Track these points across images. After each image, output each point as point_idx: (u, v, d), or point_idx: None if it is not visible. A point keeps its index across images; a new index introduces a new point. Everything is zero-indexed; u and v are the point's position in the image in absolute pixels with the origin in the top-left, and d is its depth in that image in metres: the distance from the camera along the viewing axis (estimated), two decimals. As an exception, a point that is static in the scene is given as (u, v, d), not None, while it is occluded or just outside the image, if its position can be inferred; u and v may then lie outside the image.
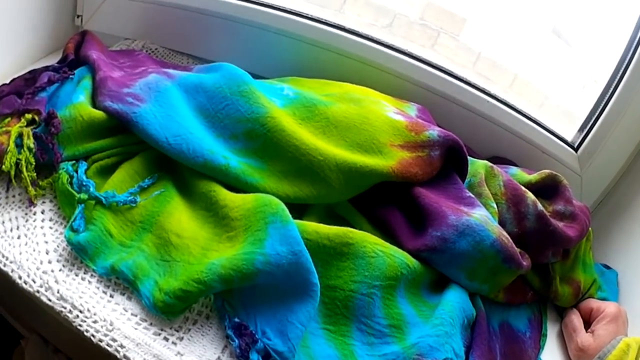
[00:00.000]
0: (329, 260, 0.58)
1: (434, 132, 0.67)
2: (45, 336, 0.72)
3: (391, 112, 0.69)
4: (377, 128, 0.66)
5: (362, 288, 0.57)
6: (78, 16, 0.83)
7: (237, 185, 0.62)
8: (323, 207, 0.66)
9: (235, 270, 0.52)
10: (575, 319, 0.71)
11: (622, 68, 0.81)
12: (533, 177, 0.75)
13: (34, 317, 0.70)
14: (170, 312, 0.52)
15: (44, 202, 0.59)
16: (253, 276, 0.52)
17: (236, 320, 0.53)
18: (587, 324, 0.70)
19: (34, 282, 0.52)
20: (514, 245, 0.63)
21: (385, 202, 0.67)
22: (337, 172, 0.62)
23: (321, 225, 0.59)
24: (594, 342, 0.66)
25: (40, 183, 0.59)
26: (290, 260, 0.53)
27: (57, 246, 0.55)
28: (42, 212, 0.58)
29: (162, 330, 0.52)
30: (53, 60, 0.73)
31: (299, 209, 0.64)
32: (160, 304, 0.52)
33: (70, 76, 0.68)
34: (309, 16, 0.83)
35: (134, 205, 0.59)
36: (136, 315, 0.53)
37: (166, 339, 0.52)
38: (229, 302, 0.55)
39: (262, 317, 0.53)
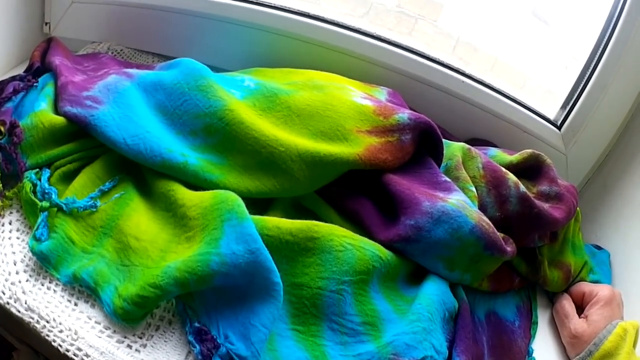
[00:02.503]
0: (293, 256, 0.51)
1: (404, 115, 0.60)
2: (35, 347, 0.68)
3: (358, 97, 0.62)
4: (342, 114, 0.59)
5: (331, 284, 0.50)
6: (46, 23, 0.77)
7: (196, 182, 0.56)
8: (289, 200, 0.59)
9: (190, 273, 0.46)
10: (567, 304, 0.64)
11: (603, 42, 0.74)
12: (514, 157, 0.67)
13: (20, 328, 0.66)
14: (130, 319, 0.48)
15: (11, 213, 0.55)
16: (209, 278, 0.46)
17: (196, 325, 0.48)
18: (580, 308, 0.63)
19: (4, 293, 0.48)
20: (495, 231, 0.56)
21: (355, 192, 0.59)
22: (299, 162, 0.55)
23: (283, 220, 0.52)
24: (588, 328, 0.59)
25: (7, 194, 0.55)
26: (248, 259, 0.47)
27: (24, 256, 0.51)
28: (10, 223, 0.54)
29: (125, 337, 0.48)
30: (23, 70, 0.68)
31: (263, 204, 0.57)
32: (120, 311, 0.47)
33: (35, 84, 0.63)
34: (273, 5, 0.75)
35: (94, 210, 0.54)
36: (100, 323, 0.48)
37: (129, 347, 0.48)
38: (190, 305, 0.49)
39: (225, 320, 0.48)
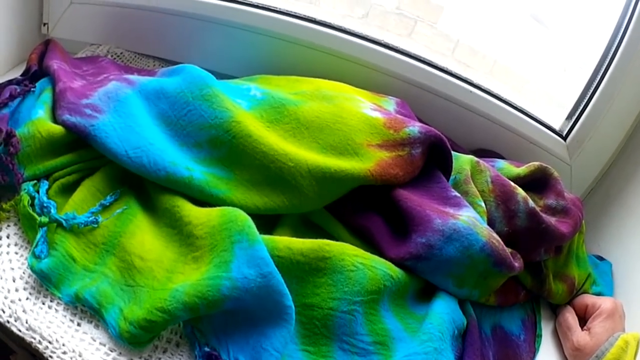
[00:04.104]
0: (304, 277, 0.49)
1: (414, 128, 0.57)
2: (32, 351, 0.66)
3: (367, 109, 0.59)
4: (352, 127, 0.56)
5: (342, 305, 0.48)
6: (44, 24, 0.73)
7: (202, 198, 0.52)
8: (298, 216, 0.56)
9: (200, 298, 0.43)
10: (570, 317, 0.62)
11: (610, 53, 0.72)
12: (522, 170, 0.65)
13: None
14: (136, 343, 0.45)
15: (8, 226, 0.51)
16: (220, 303, 0.44)
17: (206, 349, 0.45)
18: (583, 321, 0.62)
19: (3, 312, 0.46)
20: (505, 248, 0.54)
21: (365, 207, 0.57)
22: (309, 178, 0.52)
23: (294, 239, 0.49)
24: (590, 341, 0.58)
25: (4, 206, 0.51)
26: (260, 283, 0.44)
27: (23, 273, 0.48)
28: (7, 237, 0.50)
29: None
30: (21, 72, 0.64)
31: (271, 220, 0.54)
32: (126, 335, 0.44)
33: (32, 89, 0.59)
34: (277, 9, 0.72)
35: (95, 225, 0.50)
36: (105, 345, 0.46)
37: (136, 370, 0.45)
38: (199, 328, 0.46)
39: (235, 344, 0.45)
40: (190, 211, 0.51)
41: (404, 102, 0.68)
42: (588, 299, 0.63)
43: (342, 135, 0.55)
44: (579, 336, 0.59)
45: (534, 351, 0.60)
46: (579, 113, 0.74)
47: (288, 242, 0.49)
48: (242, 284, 0.44)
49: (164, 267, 0.48)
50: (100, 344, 0.45)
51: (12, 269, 0.48)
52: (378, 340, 0.49)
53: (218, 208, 0.50)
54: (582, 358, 0.58)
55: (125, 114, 0.55)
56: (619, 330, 0.59)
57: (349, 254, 0.50)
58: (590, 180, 0.77)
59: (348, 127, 0.56)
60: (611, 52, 0.71)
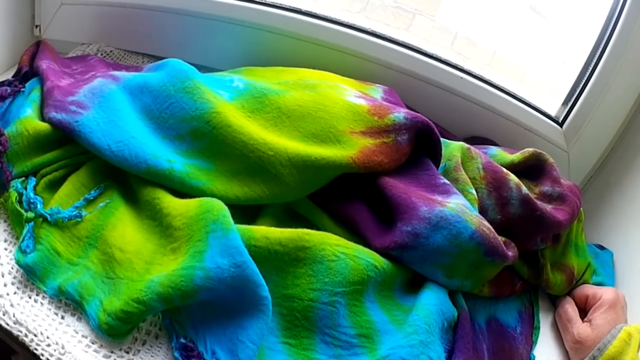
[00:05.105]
0: (284, 267, 0.46)
1: (400, 114, 0.54)
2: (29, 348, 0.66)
3: (351, 96, 0.56)
4: (335, 115, 0.53)
5: (323, 296, 0.45)
6: (36, 26, 0.72)
7: (183, 189, 0.50)
8: (280, 206, 0.53)
9: (173, 288, 0.41)
10: (570, 308, 0.58)
11: (605, 38, 0.68)
12: (515, 157, 0.61)
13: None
14: (115, 334, 0.43)
15: (-2, 223, 0.50)
16: (193, 293, 0.42)
17: (182, 340, 0.43)
18: (583, 312, 0.58)
19: None
20: (496, 236, 0.51)
21: (350, 196, 0.54)
22: (289, 167, 0.50)
23: (272, 229, 0.47)
24: (592, 333, 0.54)
25: (-6, 203, 0.50)
26: (234, 273, 0.42)
27: (12, 268, 0.47)
28: (-3, 234, 0.49)
29: (112, 352, 0.44)
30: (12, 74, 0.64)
31: (254, 211, 0.52)
32: (105, 326, 0.43)
33: (22, 89, 0.59)
34: (266, 2, 0.70)
35: (79, 219, 0.49)
36: (86, 337, 0.44)
37: (116, 362, 0.43)
38: (177, 319, 0.44)
39: (212, 335, 0.43)
40: (170, 203, 0.49)
41: (392, 89, 0.65)
42: (588, 289, 0.59)
43: (323, 123, 0.53)
44: (580, 328, 0.55)
45: (531, 344, 0.57)
46: (575, 98, 0.70)
47: (265, 232, 0.46)
48: (215, 273, 0.42)
49: (143, 259, 0.46)
50: (83, 336, 0.44)
51: (1, 264, 0.47)
52: (362, 333, 0.46)
53: (197, 199, 0.48)
54: (583, 351, 0.54)
55: (109, 109, 0.54)
56: (621, 322, 0.55)
57: (330, 243, 0.47)
58: (589, 167, 0.73)
59: (330, 115, 0.53)
60: (606, 37, 0.67)
